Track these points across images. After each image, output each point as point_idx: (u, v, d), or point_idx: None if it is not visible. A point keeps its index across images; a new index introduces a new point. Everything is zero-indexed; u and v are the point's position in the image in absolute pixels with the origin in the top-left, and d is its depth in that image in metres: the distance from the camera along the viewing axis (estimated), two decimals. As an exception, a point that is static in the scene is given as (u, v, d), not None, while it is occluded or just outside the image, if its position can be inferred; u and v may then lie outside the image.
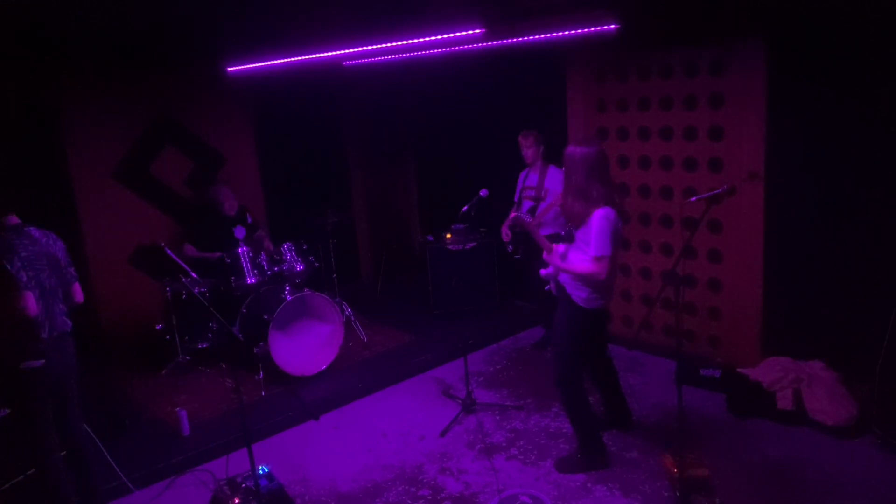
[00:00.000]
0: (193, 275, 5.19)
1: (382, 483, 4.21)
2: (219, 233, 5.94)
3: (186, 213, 6.54)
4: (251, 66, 5.67)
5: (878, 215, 4.34)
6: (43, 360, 3.46)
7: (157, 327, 5.86)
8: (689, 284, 5.38)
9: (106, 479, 4.09)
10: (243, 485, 3.79)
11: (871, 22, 4.10)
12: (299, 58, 5.25)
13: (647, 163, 5.53)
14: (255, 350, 5.37)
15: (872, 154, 4.31)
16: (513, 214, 4.31)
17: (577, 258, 3.83)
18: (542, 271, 4.13)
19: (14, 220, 3.56)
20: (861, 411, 4.31)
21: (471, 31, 4.20)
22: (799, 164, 4.68)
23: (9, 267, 3.34)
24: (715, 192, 3.78)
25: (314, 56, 5.17)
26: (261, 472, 3.90)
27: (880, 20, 4.05)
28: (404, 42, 4.67)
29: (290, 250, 5.76)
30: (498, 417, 4.91)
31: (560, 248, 3.98)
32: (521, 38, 4.96)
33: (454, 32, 4.30)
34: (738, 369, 4.88)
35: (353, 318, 6.48)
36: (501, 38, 4.98)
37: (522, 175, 5.92)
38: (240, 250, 5.64)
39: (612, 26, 4.49)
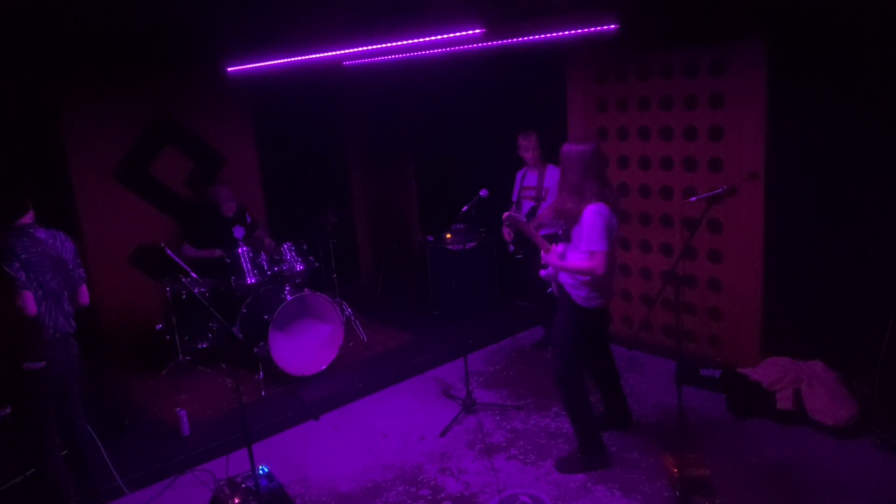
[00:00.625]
0: (193, 275, 5.17)
1: (382, 483, 4.21)
2: (218, 233, 5.94)
3: (186, 213, 6.54)
4: (251, 66, 5.67)
5: (878, 215, 4.34)
6: (44, 363, 3.46)
7: (157, 327, 5.86)
8: (689, 284, 5.38)
9: (106, 479, 4.09)
10: (243, 485, 3.79)
11: (871, 22, 4.10)
12: (299, 58, 5.25)
13: (647, 163, 5.53)
14: (255, 350, 5.37)
15: (872, 154, 4.31)
16: (506, 214, 4.30)
17: (575, 257, 3.83)
18: (542, 272, 4.13)
19: (27, 219, 3.53)
20: (861, 411, 4.31)
21: (471, 31, 4.20)
22: (799, 165, 4.68)
23: (7, 269, 3.32)
24: (715, 192, 3.78)
25: (314, 56, 5.17)
26: (261, 472, 3.90)
27: (880, 20, 4.05)
28: (404, 42, 4.67)
29: (290, 250, 5.76)
30: (498, 417, 4.91)
31: (559, 247, 3.98)
32: (521, 38, 4.96)
33: (454, 32, 4.30)
34: (738, 369, 4.88)
35: (353, 318, 6.48)
36: (501, 38, 4.98)
37: (520, 174, 5.92)
38: (240, 250, 5.64)
39: (612, 26, 4.49)
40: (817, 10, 4.28)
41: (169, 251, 4.84)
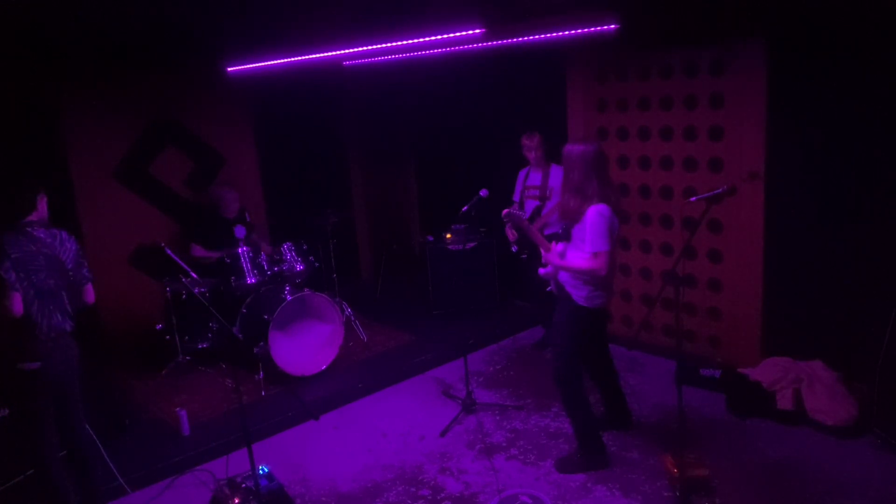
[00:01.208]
0: (193, 275, 5.19)
1: (382, 483, 4.21)
2: (219, 232, 5.94)
3: (186, 214, 6.54)
4: (251, 66, 5.67)
5: (878, 215, 4.34)
6: (40, 363, 3.44)
7: (157, 327, 5.86)
8: (689, 284, 5.38)
9: (106, 479, 4.09)
10: (243, 485, 3.79)
11: (871, 22, 4.10)
12: (299, 58, 5.25)
13: (647, 163, 5.53)
14: (255, 350, 5.37)
15: (872, 154, 4.31)
16: (505, 211, 4.30)
17: (576, 256, 3.84)
18: (541, 271, 4.13)
19: (33, 217, 3.51)
20: (861, 411, 4.31)
21: (471, 31, 4.20)
22: (799, 164, 4.68)
23: None
24: (715, 192, 3.78)
25: (314, 56, 5.17)
26: (261, 472, 3.90)
27: (880, 20, 4.05)
28: (404, 42, 4.67)
29: (290, 250, 5.76)
30: (498, 417, 4.91)
31: (559, 247, 3.99)
32: (521, 39, 4.96)
33: (454, 32, 4.30)
34: (738, 369, 4.88)
35: (353, 318, 6.48)
36: (501, 39, 4.98)
37: (522, 174, 5.91)
38: (240, 250, 5.64)
39: (612, 26, 4.49)
40: (817, 10, 4.27)
41: (169, 251, 4.84)
